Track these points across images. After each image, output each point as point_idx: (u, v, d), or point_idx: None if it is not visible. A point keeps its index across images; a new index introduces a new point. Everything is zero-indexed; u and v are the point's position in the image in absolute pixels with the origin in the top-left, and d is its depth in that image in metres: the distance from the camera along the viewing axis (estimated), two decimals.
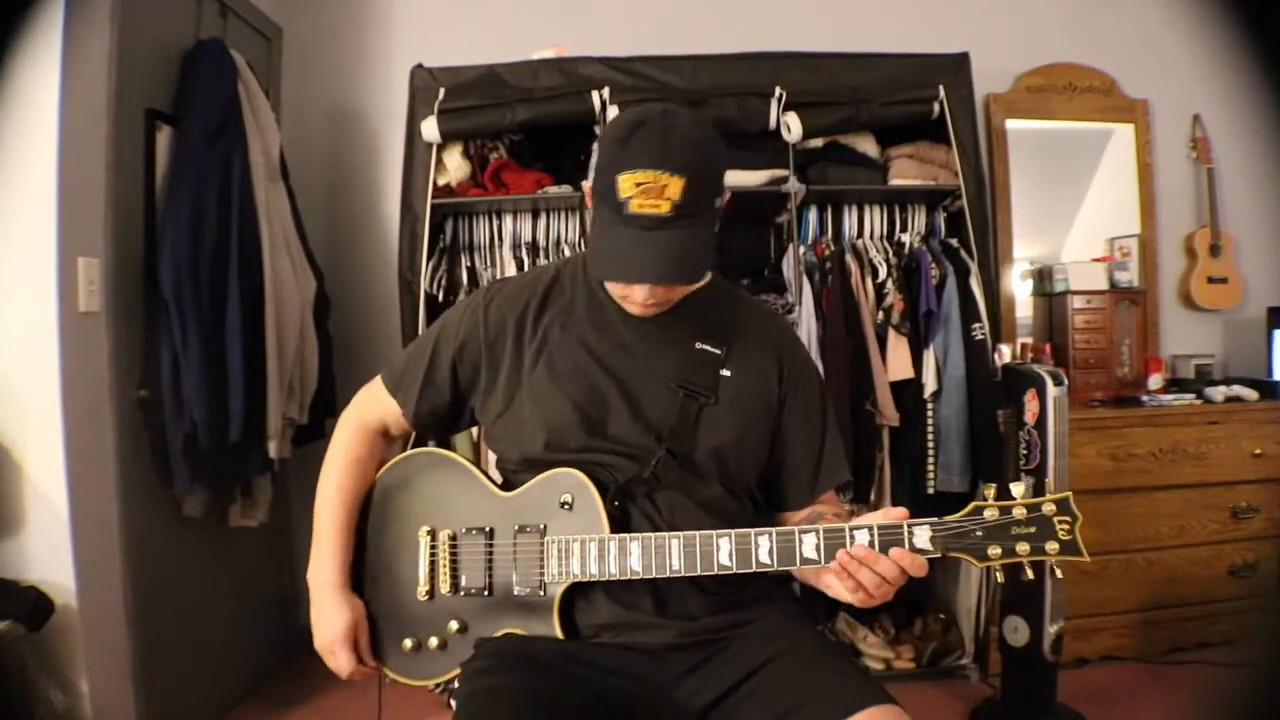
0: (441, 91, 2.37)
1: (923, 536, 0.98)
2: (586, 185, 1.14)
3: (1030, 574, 1.00)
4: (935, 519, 0.99)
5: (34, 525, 1.77)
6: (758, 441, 1.19)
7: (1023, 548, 0.98)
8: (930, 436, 2.42)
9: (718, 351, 1.18)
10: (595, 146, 1.07)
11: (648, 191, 1.00)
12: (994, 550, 0.98)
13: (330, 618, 1.18)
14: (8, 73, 1.69)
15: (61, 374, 1.77)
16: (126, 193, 2.00)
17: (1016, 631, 2.14)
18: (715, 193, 1.08)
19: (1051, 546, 0.97)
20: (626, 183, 1.01)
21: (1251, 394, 2.63)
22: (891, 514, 1.00)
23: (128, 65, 1.97)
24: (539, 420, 1.15)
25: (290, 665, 2.71)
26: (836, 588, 1.03)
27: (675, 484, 1.13)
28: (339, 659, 1.18)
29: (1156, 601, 2.54)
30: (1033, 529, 0.98)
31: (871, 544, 0.99)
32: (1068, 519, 0.98)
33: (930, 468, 2.42)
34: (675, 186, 1.00)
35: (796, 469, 1.22)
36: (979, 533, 0.98)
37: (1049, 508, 0.98)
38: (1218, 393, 2.63)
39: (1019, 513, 0.98)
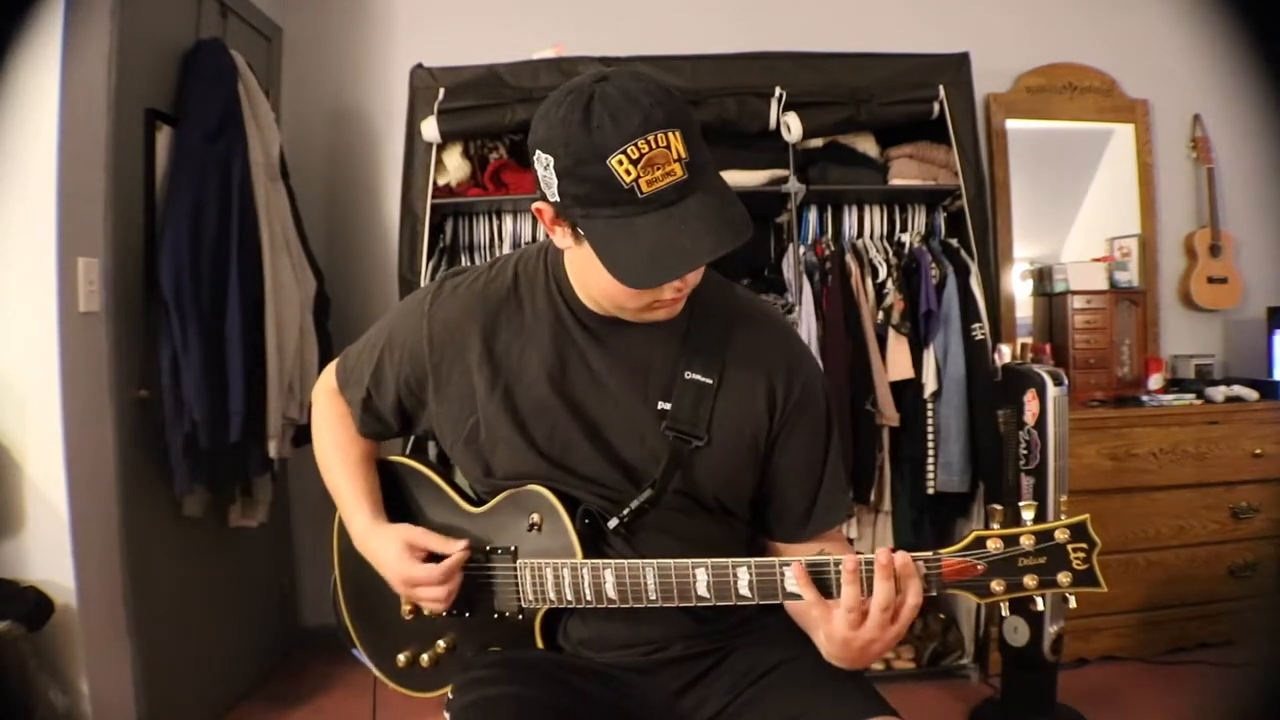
0: (441, 91, 2.37)
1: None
2: (541, 207, 0.97)
3: (1039, 605, 0.92)
4: (930, 554, 0.89)
5: (34, 525, 1.77)
6: (748, 479, 1.08)
7: (1030, 580, 0.87)
8: (930, 436, 2.42)
9: (709, 381, 1.02)
10: (537, 156, 0.90)
11: (653, 162, 0.84)
12: (997, 585, 0.88)
13: (385, 554, 1.07)
14: (8, 73, 1.69)
15: (61, 374, 1.77)
16: (126, 193, 2.00)
17: (1016, 631, 2.14)
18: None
19: (1064, 578, 0.87)
20: (622, 164, 0.84)
21: (1251, 394, 2.63)
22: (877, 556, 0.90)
23: (128, 65, 1.97)
24: (498, 460, 1.06)
25: (290, 665, 2.71)
26: (831, 630, 0.91)
27: (653, 523, 1.03)
28: (425, 579, 1.04)
29: (1156, 601, 2.54)
30: (1043, 559, 0.87)
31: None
32: (1084, 546, 0.87)
33: (930, 468, 2.42)
34: (676, 141, 0.84)
35: (788, 506, 1.10)
36: (980, 567, 0.88)
37: (1062, 534, 0.87)
38: (1218, 393, 2.63)
39: (1027, 542, 0.87)
